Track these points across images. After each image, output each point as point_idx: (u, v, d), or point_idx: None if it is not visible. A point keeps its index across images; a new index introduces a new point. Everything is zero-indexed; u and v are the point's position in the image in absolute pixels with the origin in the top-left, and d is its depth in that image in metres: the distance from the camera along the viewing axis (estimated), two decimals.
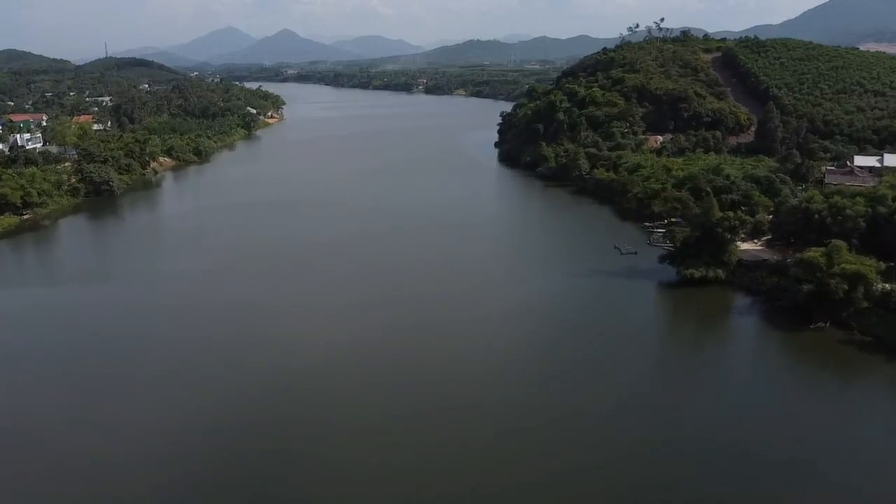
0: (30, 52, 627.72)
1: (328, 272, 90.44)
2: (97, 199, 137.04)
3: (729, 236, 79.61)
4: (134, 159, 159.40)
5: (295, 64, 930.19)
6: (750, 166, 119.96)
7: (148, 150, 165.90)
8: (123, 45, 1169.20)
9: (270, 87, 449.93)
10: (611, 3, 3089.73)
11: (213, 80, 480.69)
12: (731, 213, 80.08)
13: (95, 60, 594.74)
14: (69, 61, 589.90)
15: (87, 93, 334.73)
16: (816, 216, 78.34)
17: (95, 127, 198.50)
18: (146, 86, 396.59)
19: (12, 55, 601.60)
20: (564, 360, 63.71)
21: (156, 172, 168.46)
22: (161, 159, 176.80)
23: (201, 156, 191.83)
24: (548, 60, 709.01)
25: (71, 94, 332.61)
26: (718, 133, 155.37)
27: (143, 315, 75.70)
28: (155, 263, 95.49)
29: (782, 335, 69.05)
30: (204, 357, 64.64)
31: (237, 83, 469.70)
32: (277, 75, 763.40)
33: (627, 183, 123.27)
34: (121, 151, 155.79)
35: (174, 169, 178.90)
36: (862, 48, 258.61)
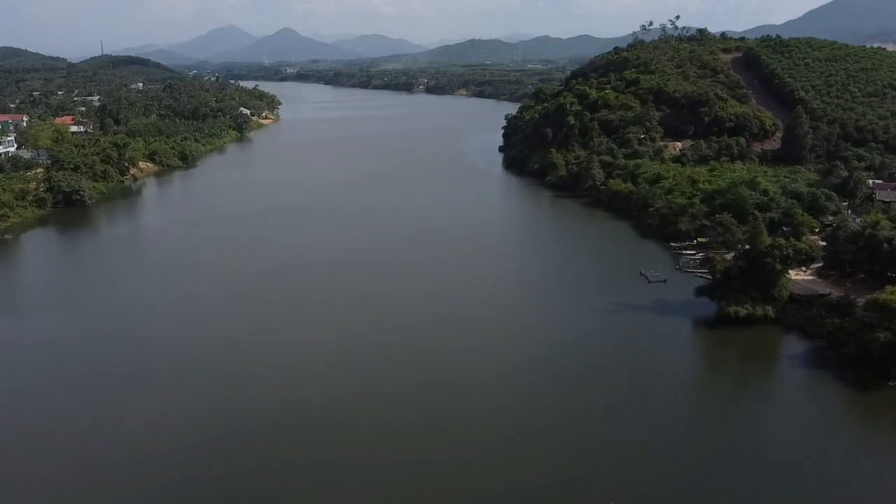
0: (26, 50, 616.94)
1: (318, 294, 79.43)
2: (67, 211, 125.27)
3: (780, 267, 67.80)
4: (111, 165, 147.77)
5: (295, 63, 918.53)
6: (787, 179, 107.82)
7: (127, 156, 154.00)
8: (124, 42, 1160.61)
9: (269, 87, 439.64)
10: (612, 2, 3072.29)
11: (209, 79, 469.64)
12: (782, 241, 68.14)
13: (90, 58, 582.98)
14: (65, 59, 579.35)
15: (75, 92, 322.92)
16: (885, 245, 66.54)
17: (74, 129, 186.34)
18: (140, 85, 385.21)
19: (7, 52, 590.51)
20: (581, 416, 53.14)
21: (135, 179, 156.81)
22: (142, 165, 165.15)
23: (187, 160, 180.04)
24: (550, 60, 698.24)
25: (59, 93, 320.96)
26: (742, 139, 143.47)
27: (125, 333, 67.48)
28: (125, 285, 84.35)
29: (851, 393, 57.30)
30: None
31: (233, 82, 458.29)
32: (276, 74, 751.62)
33: (648, 196, 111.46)
34: (96, 157, 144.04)
35: (157, 175, 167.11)
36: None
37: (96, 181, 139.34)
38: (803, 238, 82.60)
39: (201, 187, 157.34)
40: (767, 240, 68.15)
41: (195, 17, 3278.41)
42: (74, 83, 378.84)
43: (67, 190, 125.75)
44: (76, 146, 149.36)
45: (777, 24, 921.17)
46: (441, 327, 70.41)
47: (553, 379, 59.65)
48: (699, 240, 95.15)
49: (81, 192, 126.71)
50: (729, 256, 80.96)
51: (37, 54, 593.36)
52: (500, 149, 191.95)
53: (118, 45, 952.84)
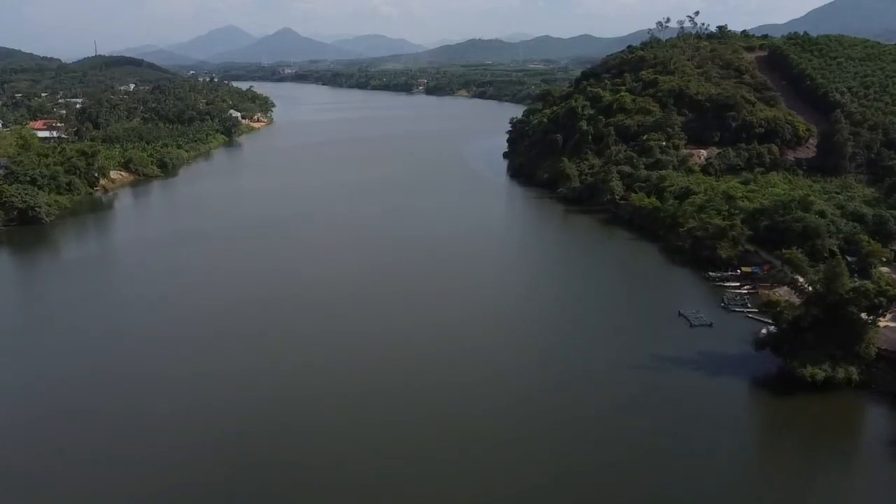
0: (18, 50, 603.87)
1: (303, 330, 65.73)
2: (22, 230, 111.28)
3: (867, 318, 54.01)
4: (78, 176, 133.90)
5: (295, 63, 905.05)
6: (840, 196, 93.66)
7: (97, 165, 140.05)
8: (124, 43, 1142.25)
9: (266, 87, 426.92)
10: (612, 2, 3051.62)
11: (202, 80, 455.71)
12: (869, 284, 54.21)
13: (83, 59, 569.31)
14: (59, 59, 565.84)
15: (60, 94, 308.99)
16: None
17: (45, 135, 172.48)
18: (131, 86, 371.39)
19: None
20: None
21: (106, 191, 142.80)
22: (116, 174, 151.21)
23: (167, 168, 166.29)
24: (551, 60, 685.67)
25: (43, 95, 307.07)
26: (774, 147, 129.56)
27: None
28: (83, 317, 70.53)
29: None
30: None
31: (227, 82, 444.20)
32: (274, 74, 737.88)
33: (677, 214, 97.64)
34: (60, 167, 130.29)
35: (133, 185, 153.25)
36: None
37: (60, 194, 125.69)
38: (873, 270, 69.08)
39: (179, 199, 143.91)
40: (849, 283, 54.32)
41: (195, 18, 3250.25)
42: (62, 84, 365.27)
43: (21, 206, 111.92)
44: (39, 155, 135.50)
45: (780, 23, 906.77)
46: (437, 392, 56.62)
47: (575, 458, 45.83)
48: (743, 269, 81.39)
49: (37, 208, 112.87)
50: (783, 291, 67.52)
51: (29, 54, 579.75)
52: (505, 155, 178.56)
53: (118, 45, 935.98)
